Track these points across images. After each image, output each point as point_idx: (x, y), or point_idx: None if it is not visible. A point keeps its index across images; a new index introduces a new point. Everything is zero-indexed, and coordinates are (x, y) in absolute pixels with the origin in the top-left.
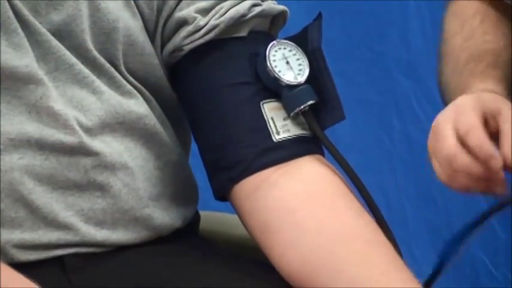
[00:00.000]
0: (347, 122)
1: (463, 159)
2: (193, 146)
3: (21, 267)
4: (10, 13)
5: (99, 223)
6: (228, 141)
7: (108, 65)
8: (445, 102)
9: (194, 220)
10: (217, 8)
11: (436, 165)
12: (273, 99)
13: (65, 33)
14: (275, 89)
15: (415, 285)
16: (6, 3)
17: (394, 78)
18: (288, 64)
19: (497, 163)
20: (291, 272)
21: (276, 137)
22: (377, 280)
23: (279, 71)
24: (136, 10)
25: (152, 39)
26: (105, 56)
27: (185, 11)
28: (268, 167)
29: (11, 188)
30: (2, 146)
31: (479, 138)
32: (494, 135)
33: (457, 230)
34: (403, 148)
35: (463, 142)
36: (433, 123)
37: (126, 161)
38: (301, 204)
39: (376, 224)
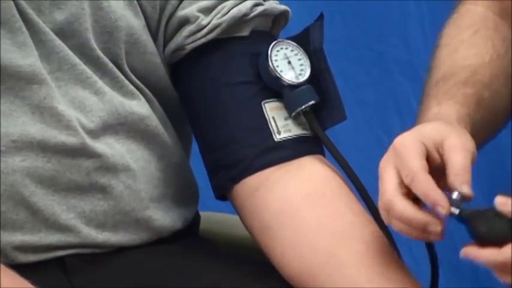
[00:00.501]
0: (347, 122)
1: (400, 207)
2: (193, 146)
3: (21, 268)
4: (15, 11)
5: (101, 225)
6: (229, 140)
7: (111, 65)
8: None
9: (194, 221)
10: (219, 7)
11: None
12: (274, 99)
13: (68, 33)
14: (276, 88)
15: (413, 285)
16: (11, 2)
17: (394, 79)
18: (289, 64)
19: (443, 210)
20: (291, 272)
21: (277, 137)
22: (376, 281)
23: (281, 71)
24: (138, 9)
25: (154, 38)
26: (108, 55)
27: (187, 10)
28: (269, 167)
29: (12, 190)
30: (4, 148)
31: (423, 185)
32: (442, 168)
33: (457, 231)
34: None
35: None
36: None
37: (128, 163)
38: (301, 204)
39: (375, 224)
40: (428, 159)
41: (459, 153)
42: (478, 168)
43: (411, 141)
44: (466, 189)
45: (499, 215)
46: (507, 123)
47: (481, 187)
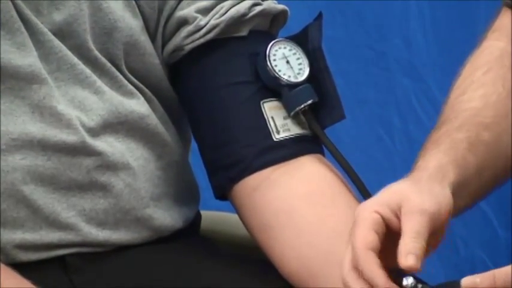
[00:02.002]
0: (348, 121)
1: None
2: (193, 144)
3: (22, 267)
4: (13, 12)
5: (101, 223)
6: (228, 140)
7: (109, 65)
8: None
9: (195, 220)
10: (217, 7)
11: None
12: (273, 99)
13: (67, 33)
14: (275, 88)
15: None
16: (9, 3)
17: (394, 78)
18: (288, 63)
19: None
20: (291, 272)
21: (276, 136)
22: None
23: (279, 70)
24: (137, 10)
25: (153, 39)
26: (106, 55)
27: (186, 11)
28: (268, 167)
29: (13, 188)
30: (4, 147)
31: (366, 270)
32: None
33: (457, 230)
34: (403, 147)
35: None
36: None
37: (128, 161)
38: (300, 203)
39: None
40: (390, 226)
41: (412, 219)
42: None
43: (366, 212)
44: (411, 261)
45: None
46: None
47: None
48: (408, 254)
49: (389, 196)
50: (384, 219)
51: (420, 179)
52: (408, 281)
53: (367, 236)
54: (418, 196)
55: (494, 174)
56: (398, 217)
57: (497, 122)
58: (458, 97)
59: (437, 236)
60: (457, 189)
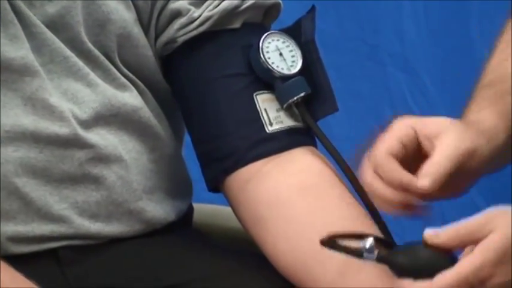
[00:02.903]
0: (340, 114)
1: (378, 188)
2: (186, 137)
3: (15, 259)
4: (6, 4)
5: (93, 216)
6: (221, 132)
7: (102, 57)
8: None
9: (188, 213)
10: None
11: None
12: (266, 91)
13: (60, 25)
14: (268, 80)
15: None
16: None
17: (387, 71)
18: (281, 56)
19: (414, 190)
20: (284, 264)
21: (269, 129)
22: (367, 271)
23: (272, 63)
24: (130, 2)
25: (146, 31)
26: (99, 48)
27: (179, 3)
28: (260, 159)
29: (5, 180)
30: None
31: (387, 170)
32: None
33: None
34: None
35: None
36: None
37: (120, 154)
38: (293, 196)
39: (368, 215)
40: (421, 148)
41: (444, 147)
42: None
43: (401, 124)
44: (425, 182)
45: (418, 248)
46: None
47: (481, 187)
48: (426, 176)
49: (432, 121)
50: (418, 137)
51: (471, 125)
52: (368, 242)
53: (391, 144)
54: (458, 133)
55: None
56: (432, 143)
57: None
58: (502, 62)
59: (461, 182)
60: (500, 153)
